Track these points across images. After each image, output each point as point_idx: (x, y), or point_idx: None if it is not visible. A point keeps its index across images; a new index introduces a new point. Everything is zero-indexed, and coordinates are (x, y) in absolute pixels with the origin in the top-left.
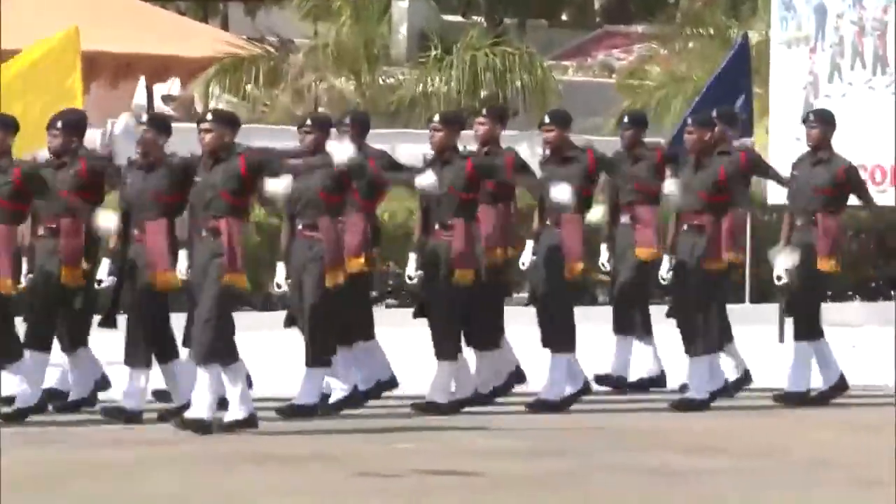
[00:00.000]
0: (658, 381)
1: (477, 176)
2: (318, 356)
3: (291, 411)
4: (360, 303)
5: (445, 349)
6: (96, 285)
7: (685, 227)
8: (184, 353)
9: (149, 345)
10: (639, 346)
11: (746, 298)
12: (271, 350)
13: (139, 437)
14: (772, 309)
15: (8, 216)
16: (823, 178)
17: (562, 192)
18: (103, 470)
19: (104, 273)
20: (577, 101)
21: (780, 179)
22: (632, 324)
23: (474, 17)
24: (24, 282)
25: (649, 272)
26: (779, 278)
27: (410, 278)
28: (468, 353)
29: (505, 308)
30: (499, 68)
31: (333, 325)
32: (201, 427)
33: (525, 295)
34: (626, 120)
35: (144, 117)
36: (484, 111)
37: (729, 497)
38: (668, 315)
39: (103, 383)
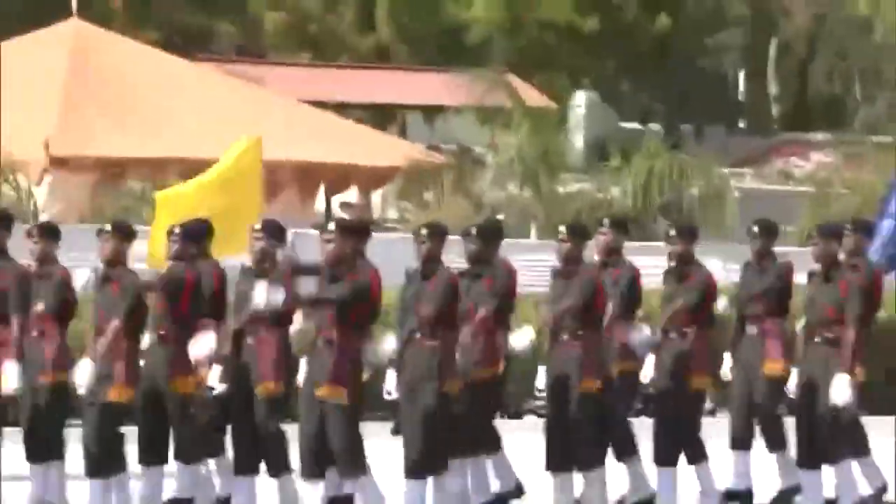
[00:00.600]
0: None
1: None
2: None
3: None
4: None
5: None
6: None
7: (816, 339)
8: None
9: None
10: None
11: None
12: None
13: None
14: None
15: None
16: None
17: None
18: None
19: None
20: (754, 208)
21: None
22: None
23: (650, 125)
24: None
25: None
26: None
27: None
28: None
29: None
30: (675, 175)
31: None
32: None
33: None
34: (755, 230)
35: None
36: (606, 221)
37: None
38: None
39: None
